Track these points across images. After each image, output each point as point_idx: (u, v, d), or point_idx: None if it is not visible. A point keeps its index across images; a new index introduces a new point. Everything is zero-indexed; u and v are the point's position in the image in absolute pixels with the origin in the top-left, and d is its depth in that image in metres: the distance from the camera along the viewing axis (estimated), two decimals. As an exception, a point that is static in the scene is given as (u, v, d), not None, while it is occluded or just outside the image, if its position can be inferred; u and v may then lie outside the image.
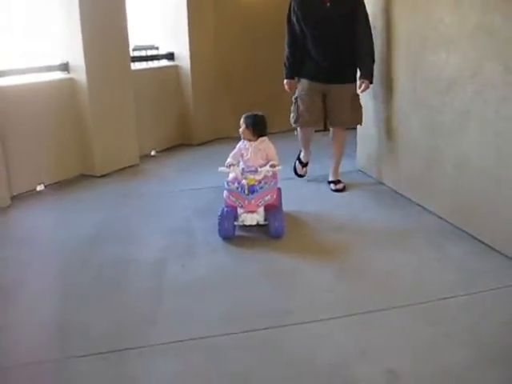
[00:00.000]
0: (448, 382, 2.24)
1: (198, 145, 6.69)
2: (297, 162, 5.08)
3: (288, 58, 4.67)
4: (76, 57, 5.17)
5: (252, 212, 3.69)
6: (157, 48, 6.58)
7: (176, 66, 6.55)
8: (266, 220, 3.76)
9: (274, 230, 3.70)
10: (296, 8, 4.46)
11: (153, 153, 6.35)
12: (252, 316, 2.76)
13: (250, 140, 3.98)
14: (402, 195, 4.51)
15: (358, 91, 4.52)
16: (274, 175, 3.93)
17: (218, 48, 6.73)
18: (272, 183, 3.83)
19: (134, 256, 3.50)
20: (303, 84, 4.65)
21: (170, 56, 6.54)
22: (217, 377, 2.30)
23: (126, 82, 5.69)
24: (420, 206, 4.22)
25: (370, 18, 4.47)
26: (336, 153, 4.86)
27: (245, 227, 3.80)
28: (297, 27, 4.50)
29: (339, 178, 4.82)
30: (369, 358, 2.39)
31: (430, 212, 4.08)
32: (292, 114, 4.75)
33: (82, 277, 3.27)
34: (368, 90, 4.53)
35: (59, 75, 5.25)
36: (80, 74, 5.20)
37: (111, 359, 2.41)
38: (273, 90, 6.47)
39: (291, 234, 3.80)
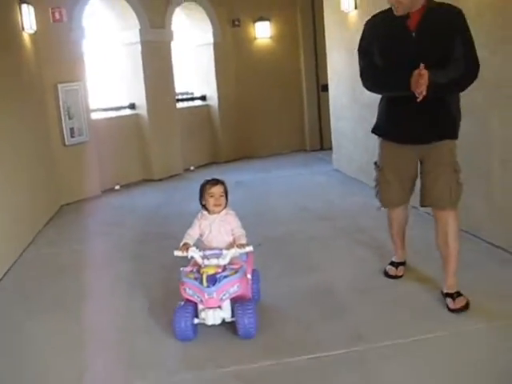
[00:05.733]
0: None
1: (225, 162, 9.10)
2: (388, 266, 3.72)
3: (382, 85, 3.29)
4: (140, 99, 7.78)
5: (215, 308, 2.94)
6: (192, 93, 9.15)
7: (207, 105, 9.09)
8: (233, 316, 2.99)
9: (242, 329, 2.94)
10: (371, 36, 3.28)
11: (192, 168, 8.75)
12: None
13: (217, 211, 3.25)
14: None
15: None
16: (249, 259, 3.28)
17: (238, 90, 9.23)
18: (240, 269, 3.05)
19: (183, 211, 5.85)
20: (386, 148, 3.42)
21: (203, 98, 9.09)
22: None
23: (173, 117, 8.22)
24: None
25: None
26: (444, 250, 3.25)
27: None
28: (375, 58, 3.25)
29: (458, 290, 3.20)
30: None
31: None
32: (375, 187, 3.55)
33: (156, 217, 5.81)
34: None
35: (129, 112, 7.84)
36: (142, 110, 7.78)
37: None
38: (279, 119, 9.17)
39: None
